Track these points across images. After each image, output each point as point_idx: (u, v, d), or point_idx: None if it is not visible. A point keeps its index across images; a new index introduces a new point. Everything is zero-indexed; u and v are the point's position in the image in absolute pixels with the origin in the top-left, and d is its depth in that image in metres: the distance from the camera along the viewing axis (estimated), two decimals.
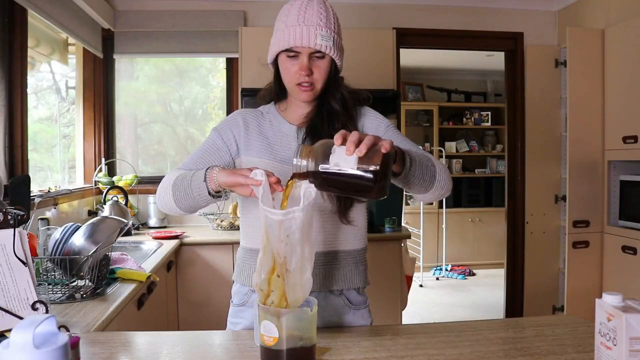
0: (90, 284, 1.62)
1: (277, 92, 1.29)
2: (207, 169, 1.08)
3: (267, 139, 1.25)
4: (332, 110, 1.24)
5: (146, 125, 3.83)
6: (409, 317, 3.66)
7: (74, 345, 0.87)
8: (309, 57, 1.17)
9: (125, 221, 1.80)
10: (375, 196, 0.93)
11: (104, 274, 1.69)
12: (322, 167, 0.92)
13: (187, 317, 2.82)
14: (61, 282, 1.61)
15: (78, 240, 1.62)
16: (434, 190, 1.13)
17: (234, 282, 1.33)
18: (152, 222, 3.33)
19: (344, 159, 0.91)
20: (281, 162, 1.22)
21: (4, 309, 1.06)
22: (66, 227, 1.68)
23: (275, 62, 1.25)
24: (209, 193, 1.07)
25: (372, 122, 1.29)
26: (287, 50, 1.17)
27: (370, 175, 0.90)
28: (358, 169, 0.90)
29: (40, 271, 1.60)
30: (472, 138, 6.29)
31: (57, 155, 3.21)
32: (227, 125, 1.28)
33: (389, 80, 3.23)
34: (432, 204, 5.93)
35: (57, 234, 1.66)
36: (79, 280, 1.61)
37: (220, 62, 3.75)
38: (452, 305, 4.65)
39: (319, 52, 1.17)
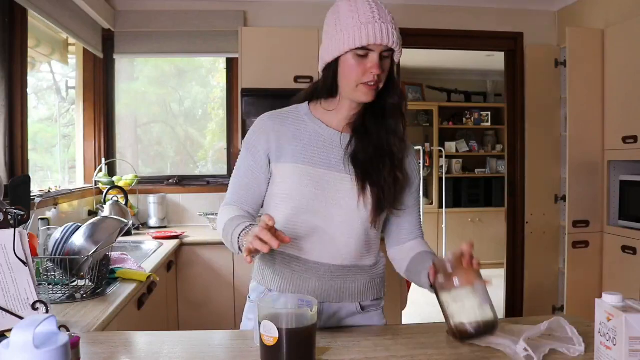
0: (90, 284, 1.62)
1: (327, 92, 1.21)
2: (242, 232, 1.09)
3: (301, 142, 1.20)
4: (389, 107, 1.20)
5: (146, 126, 3.83)
6: (409, 317, 3.66)
7: (74, 345, 0.87)
8: (380, 56, 1.12)
9: (126, 221, 1.80)
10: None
11: (104, 274, 1.69)
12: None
13: (187, 317, 2.81)
14: (61, 282, 1.61)
15: (78, 240, 1.62)
16: None
17: (252, 278, 1.33)
18: (152, 222, 3.33)
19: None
20: (318, 167, 1.18)
21: (4, 309, 1.06)
22: (66, 227, 1.68)
23: (331, 63, 1.17)
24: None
25: (411, 170, 1.26)
26: (359, 48, 1.10)
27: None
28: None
29: (41, 271, 1.60)
30: (472, 138, 6.28)
31: (57, 155, 3.21)
32: (256, 137, 1.23)
33: None
34: (432, 203, 5.93)
35: (57, 234, 1.66)
36: (79, 280, 1.61)
37: (220, 62, 3.74)
38: None
39: (390, 50, 1.13)
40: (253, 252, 0.99)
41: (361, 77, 1.13)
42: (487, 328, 1.00)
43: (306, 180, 1.17)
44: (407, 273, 1.26)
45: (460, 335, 1.01)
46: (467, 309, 1.00)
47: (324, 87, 1.21)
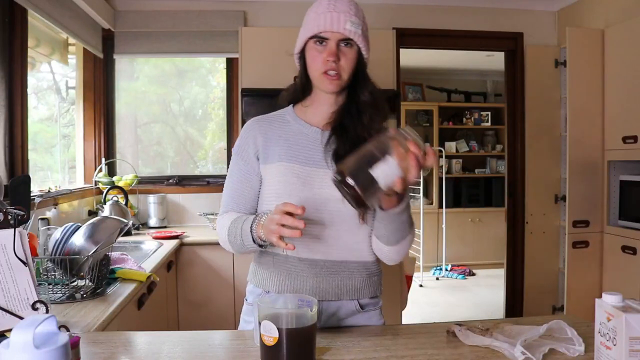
0: (90, 284, 1.62)
1: (302, 86, 1.27)
2: (252, 224, 1.14)
3: (287, 141, 1.24)
4: (361, 104, 1.24)
5: (146, 126, 3.83)
6: (409, 317, 3.66)
7: (74, 345, 0.87)
8: (337, 45, 1.17)
9: (126, 221, 1.80)
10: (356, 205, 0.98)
11: (104, 274, 1.69)
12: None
13: (187, 317, 2.82)
14: (61, 282, 1.61)
15: (78, 240, 1.61)
16: (398, 248, 1.21)
17: (248, 281, 1.33)
18: (152, 222, 3.33)
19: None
20: (303, 164, 1.22)
21: (4, 309, 1.06)
22: (66, 227, 1.68)
23: (302, 55, 1.24)
24: (262, 245, 1.16)
25: None
26: (315, 36, 1.18)
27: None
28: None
29: (41, 271, 1.60)
30: (472, 138, 6.28)
31: (57, 155, 3.21)
32: (244, 140, 1.28)
33: (389, 80, 3.23)
34: (432, 203, 5.93)
35: (57, 234, 1.66)
36: (79, 280, 1.61)
37: (220, 62, 3.75)
38: (452, 305, 4.65)
39: (348, 39, 1.17)
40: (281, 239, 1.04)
41: (321, 65, 1.18)
42: (355, 202, 0.97)
43: (292, 178, 1.20)
44: (374, 234, 1.23)
45: (336, 179, 0.97)
46: (365, 172, 0.94)
47: (300, 82, 1.27)
